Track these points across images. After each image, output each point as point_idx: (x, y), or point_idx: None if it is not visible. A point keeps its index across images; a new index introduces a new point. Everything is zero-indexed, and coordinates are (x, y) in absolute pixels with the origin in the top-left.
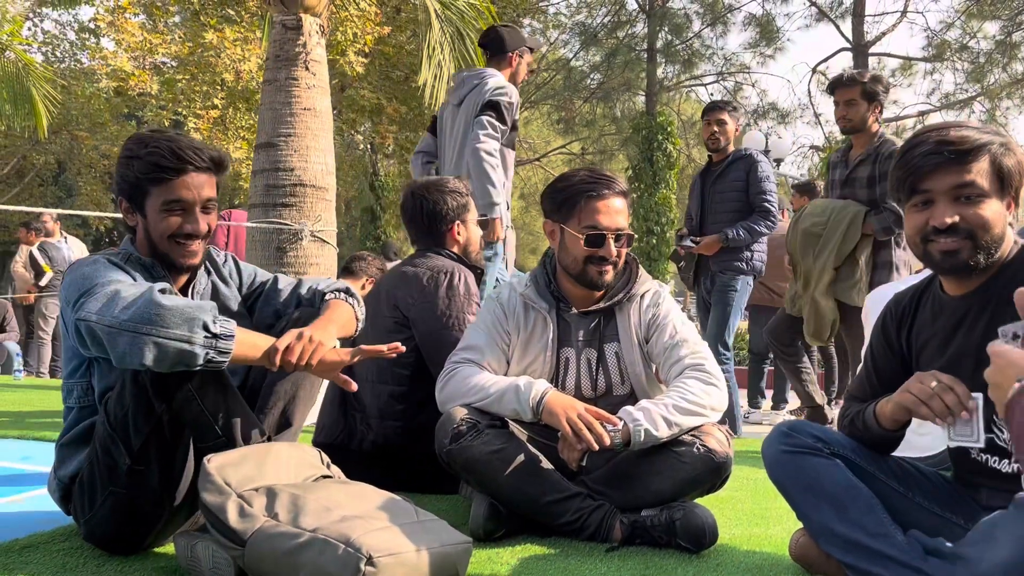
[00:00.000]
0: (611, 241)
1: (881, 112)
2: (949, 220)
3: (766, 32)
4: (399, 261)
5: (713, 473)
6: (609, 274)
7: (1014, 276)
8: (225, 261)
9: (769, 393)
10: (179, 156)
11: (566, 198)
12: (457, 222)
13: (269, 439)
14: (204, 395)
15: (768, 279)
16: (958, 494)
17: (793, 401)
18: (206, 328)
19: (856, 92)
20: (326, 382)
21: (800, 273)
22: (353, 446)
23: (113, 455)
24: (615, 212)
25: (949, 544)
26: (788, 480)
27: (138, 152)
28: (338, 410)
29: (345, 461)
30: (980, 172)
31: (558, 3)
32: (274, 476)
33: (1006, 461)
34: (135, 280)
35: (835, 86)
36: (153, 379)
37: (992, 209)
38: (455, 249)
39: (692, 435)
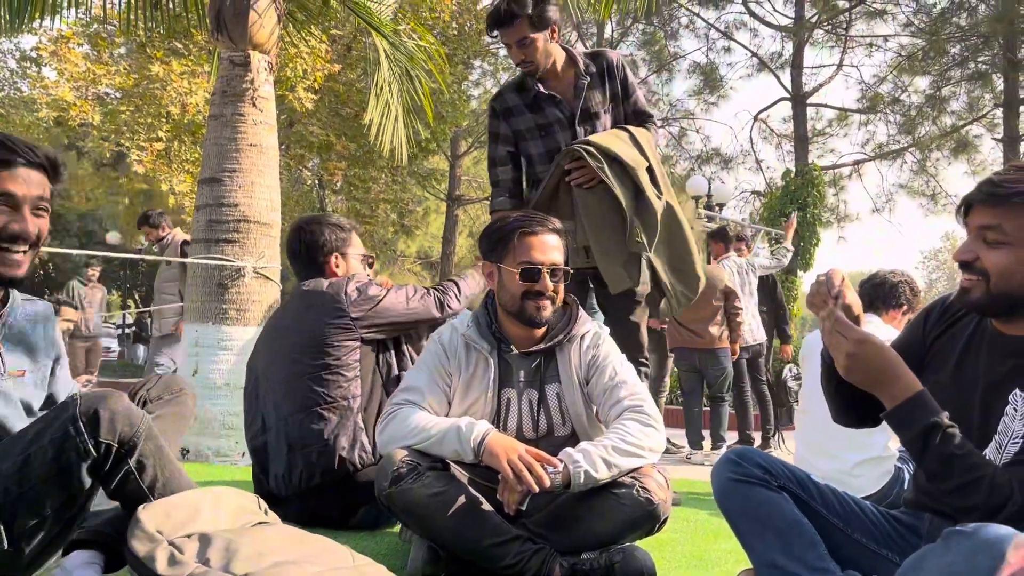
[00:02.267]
0: (546, 275)
1: (559, 31)
2: (962, 256)
3: (710, 80)
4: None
5: (652, 515)
6: (547, 310)
7: None
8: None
9: (706, 433)
10: (9, 147)
11: (500, 237)
12: (335, 254)
13: None
14: (143, 468)
15: (685, 320)
16: (896, 532)
17: (731, 440)
18: None
19: (524, 27)
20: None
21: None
22: (332, 477)
23: None
24: (549, 248)
25: None
26: (735, 509)
27: None
28: (289, 455)
29: (321, 499)
30: (1011, 218)
31: None
32: (210, 523)
33: None
34: None
35: (496, 26)
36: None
37: (1018, 259)
38: None
39: (631, 477)
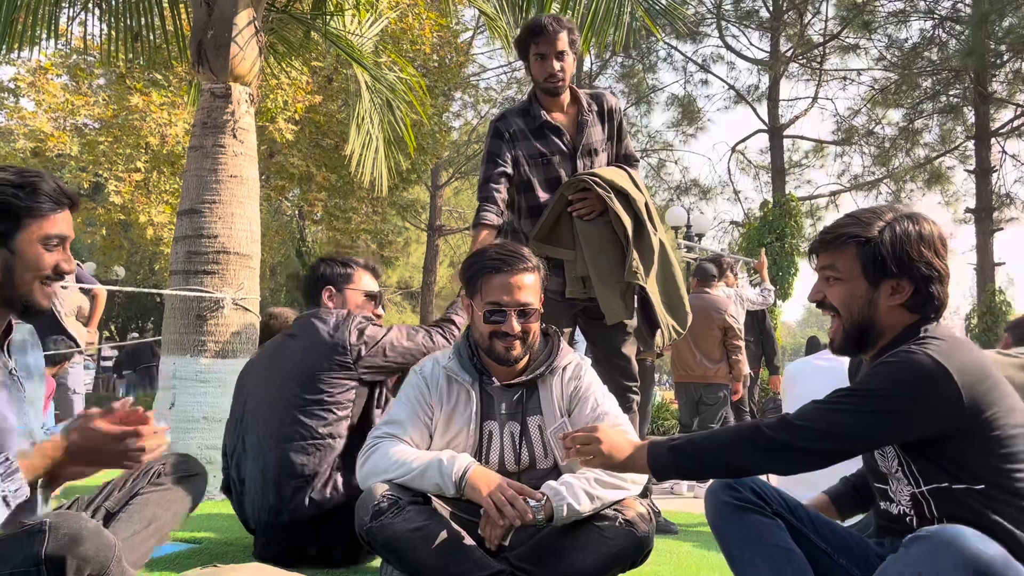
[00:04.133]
0: (513, 317)
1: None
2: (812, 297)
3: (688, 112)
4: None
5: (635, 547)
6: (516, 349)
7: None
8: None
9: None
10: (64, 192)
11: (471, 275)
12: (329, 288)
13: None
14: None
15: (689, 353)
16: (875, 560)
17: None
18: None
19: (564, 39)
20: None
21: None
22: (299, 516)
23: None
24: (518, 288)
25: None
26: (728, 532)
27: (15, 181)
28: (272, 486)
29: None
30: (842, 257)
31: (488, 79)
32: None
33: (893, 504)
34: None
35: (537, 33)
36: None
37: (850, 292)
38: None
39: (614, 509)
